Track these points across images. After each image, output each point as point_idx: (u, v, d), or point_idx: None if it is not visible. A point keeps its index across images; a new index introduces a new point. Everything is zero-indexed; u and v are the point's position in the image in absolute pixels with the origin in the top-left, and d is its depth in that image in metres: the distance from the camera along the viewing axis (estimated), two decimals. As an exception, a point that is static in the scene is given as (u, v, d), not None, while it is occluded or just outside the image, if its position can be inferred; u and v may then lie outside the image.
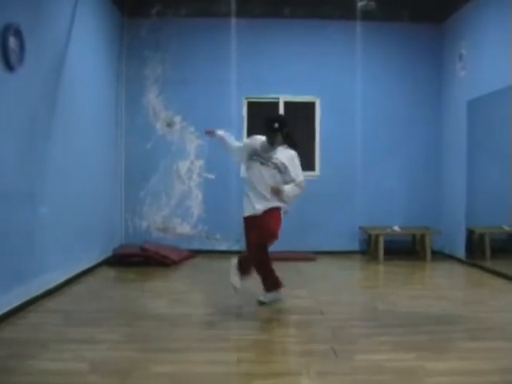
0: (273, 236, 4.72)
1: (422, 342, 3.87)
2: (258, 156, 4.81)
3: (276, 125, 4.72)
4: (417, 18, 8.38)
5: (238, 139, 8.15)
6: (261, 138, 4.90)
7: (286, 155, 4.81)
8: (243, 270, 4.91)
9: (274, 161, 4.75)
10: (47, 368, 3.31)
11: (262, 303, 4.92)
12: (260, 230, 4.69)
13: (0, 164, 4.31)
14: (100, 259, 7.06)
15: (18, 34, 4.53)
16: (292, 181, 4.78)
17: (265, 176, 4.76)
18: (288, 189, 4.73)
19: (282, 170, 4.77)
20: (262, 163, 4.78)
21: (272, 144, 4.78)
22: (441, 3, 8.20)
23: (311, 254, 7.96)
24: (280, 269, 6.96)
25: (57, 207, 5.48)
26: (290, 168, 4.78)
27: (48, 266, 5.26)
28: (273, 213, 4.77)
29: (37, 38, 4.95)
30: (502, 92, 6.50)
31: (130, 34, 8.24)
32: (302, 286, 5.91)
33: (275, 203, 4.77)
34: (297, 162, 4.87)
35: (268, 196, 4.74)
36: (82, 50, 6.31)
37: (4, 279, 4.38)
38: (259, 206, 4.76)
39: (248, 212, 4.86)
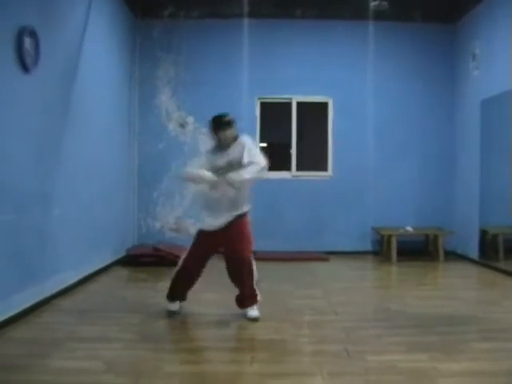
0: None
1: (434, 343, 3.86)
2: (218, 169, 4.38)
3: (227, 118, 4.43)
4: (429, 17, 8.36)
5: (252, 139, 8.23)
6: (210, 151, 4.57)
7: (238, 147, 4.41)
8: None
9: (231, 162, 4.38)
10: (62, 366, 3.34)
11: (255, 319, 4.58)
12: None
13: (14, 164, 4.35)
14: (113, 259, 7.11)
15: (34, 35, 4.57)
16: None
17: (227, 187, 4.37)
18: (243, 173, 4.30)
19: (238, 163, 4.34)
20: (221, 174, 4.34)
21: (227, 141, 4.45)
22: (453, 3, 8.19)
23: (324, 254, 7.96)
24: (293, 269, 7.00)
25: (70, 207, 5.52)
26: (245, 155, 4.34)
27: (61, 266, 5.31)
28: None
29: (51, 39, 5.00)
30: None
31: (143, 35, 8.29)
32: (315, 287, 5.91)
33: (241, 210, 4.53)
34: (253, 147, 4.47)
35: (231, 206, 4.45)
36: (96, 50, 6.35)
37: (18, 279, 4.42)
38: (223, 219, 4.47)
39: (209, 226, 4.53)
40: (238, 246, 4.54)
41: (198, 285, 6.02)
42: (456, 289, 6.06)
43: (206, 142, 8.23)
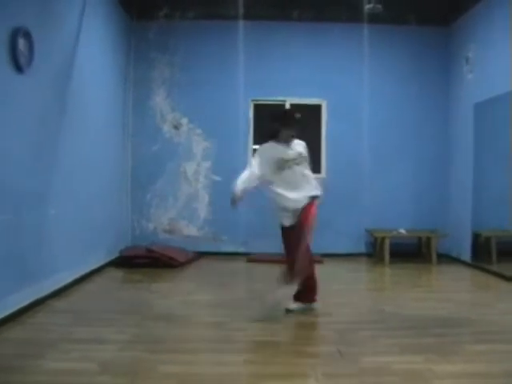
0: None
1: (429, 345, 3.87)
2: (281, 162, 4.66)
3: (298, 115, 4.74)
4: (424, 21, 8.39)
5: (245, 141, 8.22)
6: (270, 145, 4.77)
7: (300, 145, 4.83)
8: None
9: (295, 156, 4.69)
10: (56, 368, 3.32)
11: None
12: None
13: (11, 165, 4.34)
14: (107, 260, 7.08)
15: (28, 36, 4.56)
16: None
17: (295, 177, 4.70)
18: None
19: (302, 159, 4.76)
20: (288, 168, 4.67)
21: (292, 137, 4.74)
22: (447, 6, 8.22)
23: (318, 256, 7.94)
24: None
25: (65, 208, 5.51)
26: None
27: (56, 267, 5.29)
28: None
29: (46, 40, 4.98)
30: (508, 95, 6.52)
31: (138, 36, 8.28)
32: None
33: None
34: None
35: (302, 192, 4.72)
36: (91, 52, 6.34)
37: (13, 279, 4.41)
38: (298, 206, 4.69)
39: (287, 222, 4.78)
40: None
41: (193, 286, 6.05)
42: (449, 291, 6.09)
43: (199, 143, 8.33)
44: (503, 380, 3.20)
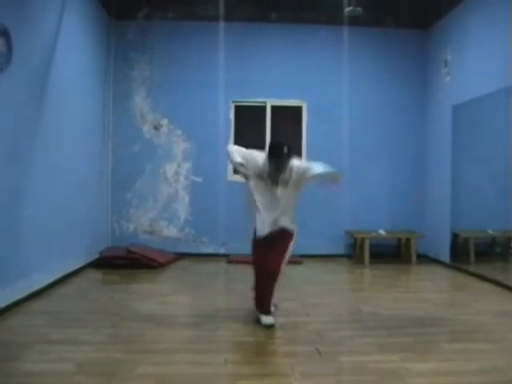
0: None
1: (405, 344, 3.91)
2: (266, 178, 4.41)
3: (286, 149, 4.30)
4: (402, 24, 8.47)
5: (225, 142, 8.22)
6: (262, 157, 4.44)
7: (290, 171, 4.45)
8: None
9: (284, 180, 4.43)
10: (32, 369, 3.30)
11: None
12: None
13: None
14: (86, 261, 7.03)
15: (6, 34, 4.53)
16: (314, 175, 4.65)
17: (275, 198, 4.47)
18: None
19: (292, 183, 4.50)
20: (271, 185, 4.43)
21: (282, 172, 4.39)
22: (425, 10, 8.30)
23: (297, 257, 7.97)
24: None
25: (42, 208, 5.45)
26: (301, 170, 4.53)
27: (33, 268, 5.23)
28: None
29: (24, 39, 4.94)
30: (486, 97, 6.61)
31: (118, 36, 8.23)
32: (288, 289, 5.93)
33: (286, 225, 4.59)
34: (299, 162, 4.63)
35: (280, 217, 4.53)
36: (69, 51, 6.29)
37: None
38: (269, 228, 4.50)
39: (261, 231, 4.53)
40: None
41: (172, 287, 6.04)
42: (427, 291, 6.14)
43: (179, 144, 8.31)
44: (476, 378, 3.24)
